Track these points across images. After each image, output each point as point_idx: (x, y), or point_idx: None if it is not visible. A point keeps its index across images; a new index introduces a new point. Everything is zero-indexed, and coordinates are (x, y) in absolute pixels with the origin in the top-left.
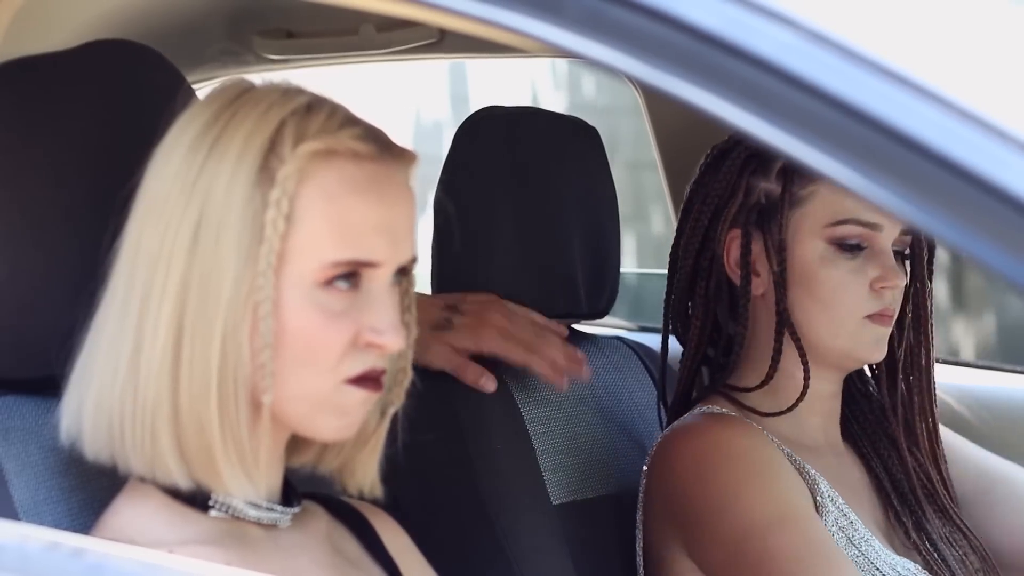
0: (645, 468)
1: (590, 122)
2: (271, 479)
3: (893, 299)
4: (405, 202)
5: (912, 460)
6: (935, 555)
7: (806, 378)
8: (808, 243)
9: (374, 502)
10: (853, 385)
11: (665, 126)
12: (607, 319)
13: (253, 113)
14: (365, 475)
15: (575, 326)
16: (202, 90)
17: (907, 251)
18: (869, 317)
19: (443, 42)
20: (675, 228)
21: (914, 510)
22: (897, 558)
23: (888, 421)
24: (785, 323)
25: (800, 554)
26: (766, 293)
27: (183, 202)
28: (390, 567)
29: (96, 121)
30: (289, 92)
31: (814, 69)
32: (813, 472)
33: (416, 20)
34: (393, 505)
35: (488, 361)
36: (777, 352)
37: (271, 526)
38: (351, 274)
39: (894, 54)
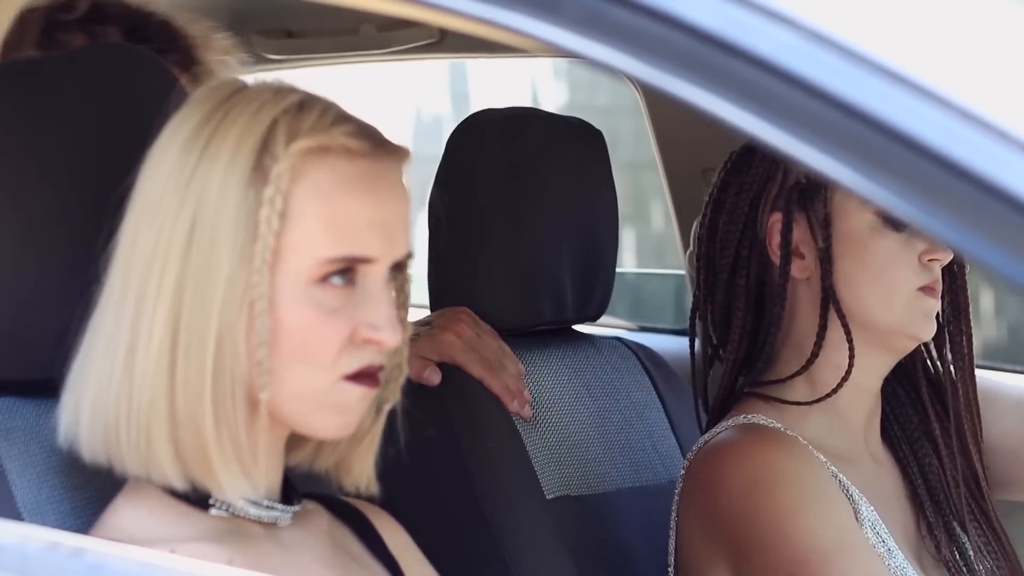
0: (682, 473)
1: (590, 122)
2: (271, 477)
3: (939, 274)
4: (399, 198)
5: (952, 466)
6: (964, 572)
7: (851, 355)
8: (856, 215)
9: (371, 500)
10: (896, 383)
11: (665, 126)
12: (607, 319)
13: (245, 112)
14: (361, 472)
15: (574, 326)
16: None
17: None
18: (921, 289)
19: (443, 42)
20: (698, 228)
21: (948, 521)
22: None
23: (931, 422)
24: (831, 299)
25: None
26: (811, 277)
27: (177, 202)
28: (392, 565)
29: (91, 123)
30: (281, 91)
31: (814, 69)
32: (856, 494)
33: (416, 20)
34: (388, 504)
35: None
36: (822, 328)
37: (271, 524)
38: (346, 270)
39: (894, 54)
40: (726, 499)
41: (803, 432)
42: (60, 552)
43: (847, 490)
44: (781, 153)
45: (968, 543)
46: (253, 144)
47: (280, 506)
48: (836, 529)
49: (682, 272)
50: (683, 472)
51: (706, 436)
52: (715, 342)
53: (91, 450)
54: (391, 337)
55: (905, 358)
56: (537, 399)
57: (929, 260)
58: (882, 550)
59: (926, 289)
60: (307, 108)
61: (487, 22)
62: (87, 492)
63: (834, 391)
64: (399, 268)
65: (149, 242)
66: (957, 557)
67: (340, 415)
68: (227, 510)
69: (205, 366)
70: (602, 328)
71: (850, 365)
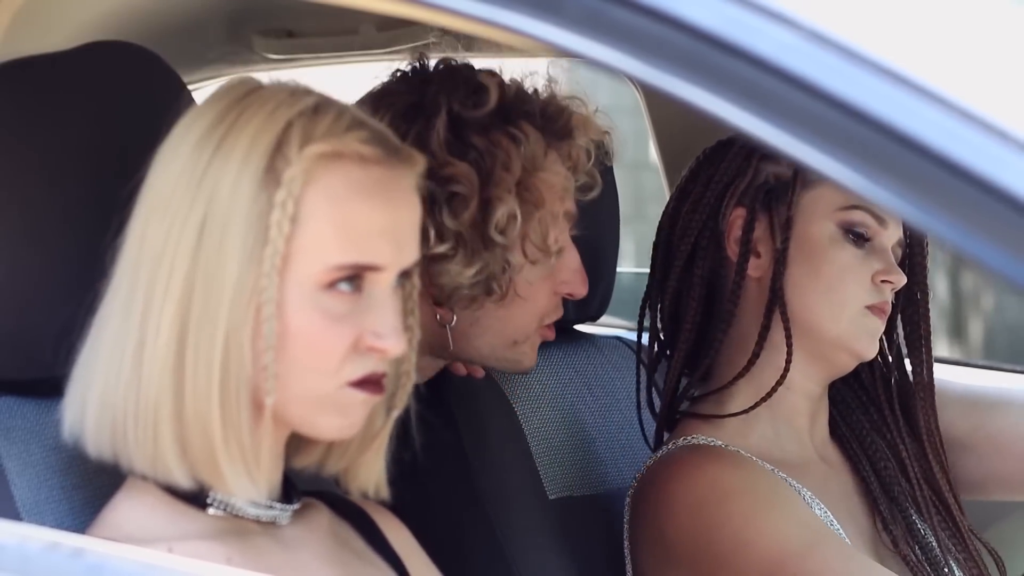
0: (628, 500)
1: None
2: (271, 477)
3: (890, 297)
4: (410, 206)
5: (914, 470)
6: (925, 567)
7: (788, 359)
8: (818, 224)
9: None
10: (846, 388)
11: (665, 126)
12: (607, 319)
13: (260, 113)
14: (369, 477)
15: (575, 326)
16: (203, 91)
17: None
18: (869, 308)
19: (443, 42)
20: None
21: (907, 516)
22: None
23: (892, 435)
24: (778, 300)
25: (841, 568)
26: (763, 277)
27: (188, 200)
28: (396, 563)
29: (94, 122)
30: (296, 93)
31: (814, 69)
32: (809, 496)
33: (416, 20)
34: (390, 504)
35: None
36: (764, 329)
37: (270, 523)
38: (354, 277)
39: (894, 54)
40: (675, 523)
41: (746, 444)
42: (60, 552)
43: (799, 492)
44: (781, 153)
45: (932, 538)
46: (267, 146)
47: (279, 505)
48: (801, 526)
49: None
50: (628, 502)
51: (648, 462)
52: (663, 337)
53: (97, 445)
54: (395, 346)
55: (865, 375)
56: (539, 398)
57: (882, 281)
58: None
59: (874, 308)
60: (322, 112)
61: (487, 22)
62: (86, 492)
63: (768, 395)
64: (407, 276)
65: (159, 239)
66: (917, 551)
67: (343, 417)
68: (225, 509)
69: (212, 367)
70: (602, 328)
71: (786, 368)
